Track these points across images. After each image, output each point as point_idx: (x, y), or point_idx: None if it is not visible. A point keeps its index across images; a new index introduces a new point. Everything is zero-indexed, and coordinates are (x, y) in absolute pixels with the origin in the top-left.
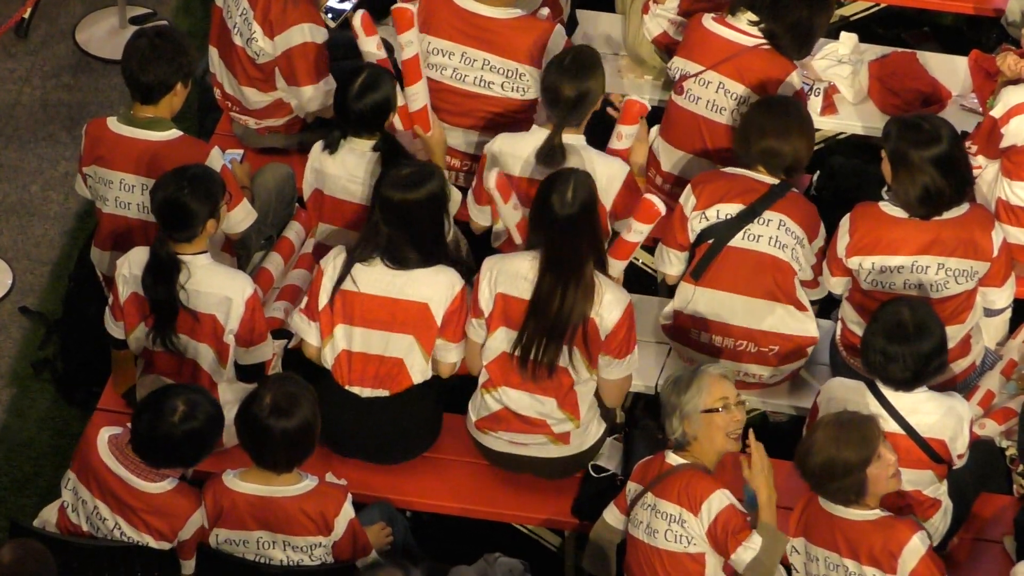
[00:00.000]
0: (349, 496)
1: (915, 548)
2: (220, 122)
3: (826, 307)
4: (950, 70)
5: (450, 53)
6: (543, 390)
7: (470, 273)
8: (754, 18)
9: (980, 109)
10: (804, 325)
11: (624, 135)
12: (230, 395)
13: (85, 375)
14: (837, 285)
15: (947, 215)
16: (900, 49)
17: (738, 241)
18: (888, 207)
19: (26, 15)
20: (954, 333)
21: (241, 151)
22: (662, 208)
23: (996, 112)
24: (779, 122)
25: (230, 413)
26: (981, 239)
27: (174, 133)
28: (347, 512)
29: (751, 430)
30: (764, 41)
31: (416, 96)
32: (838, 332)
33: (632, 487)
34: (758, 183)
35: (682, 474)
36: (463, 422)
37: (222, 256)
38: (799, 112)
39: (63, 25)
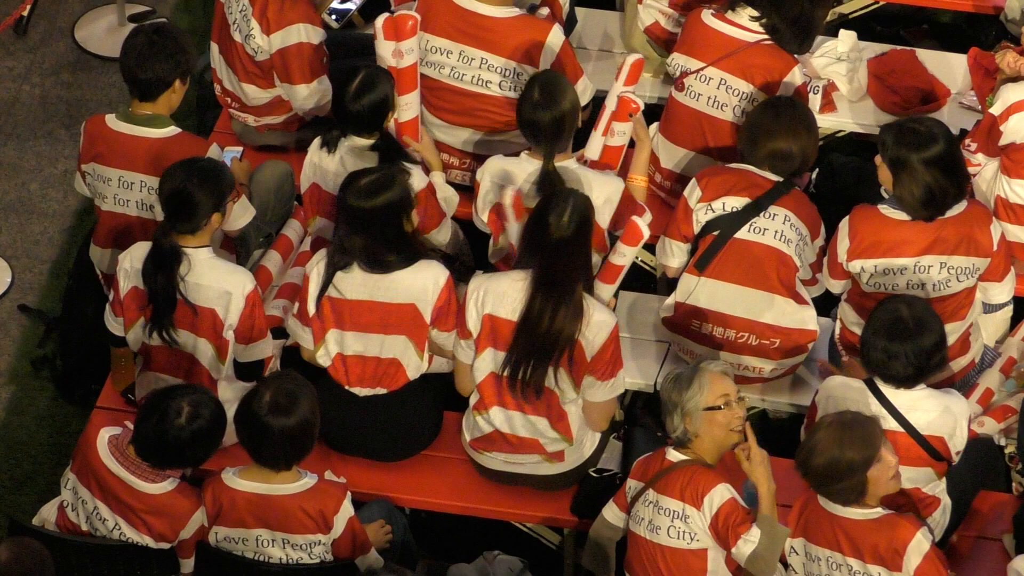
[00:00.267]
0: (348, 494)
1: (919, 545)
2: (219, 119)
3: (825, 305)
4: (949, 68)
5: (448, 52)
6: (534, 410)
7: (470, 272)
8: (755, 13)
9: (979, 107)
10: (805, 320)
11: (617, 132)
12: (230, 393)
13: (84, 373)
14: (837, 287)
15: (949, 213)
16: (899, 47)
17: (744, 233)
18: (888, 210)
19: (25, 13)
20: (953, 330)
21: (240, 148)
22: (646, 232)
23: (995, 110)
24: (787, 125)
25: (229, 411)
26: (981, 235)
27: (173, 130)
28: (346, 510)
29: (747, 423)
30: (765, 37)
31: (408, 107)
32: (837, 331)
33: (632, 484)
34: (763, 179)
35: (684, 470)
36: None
37: (222, 255)
38: (805, 113)
39: (62, 23)
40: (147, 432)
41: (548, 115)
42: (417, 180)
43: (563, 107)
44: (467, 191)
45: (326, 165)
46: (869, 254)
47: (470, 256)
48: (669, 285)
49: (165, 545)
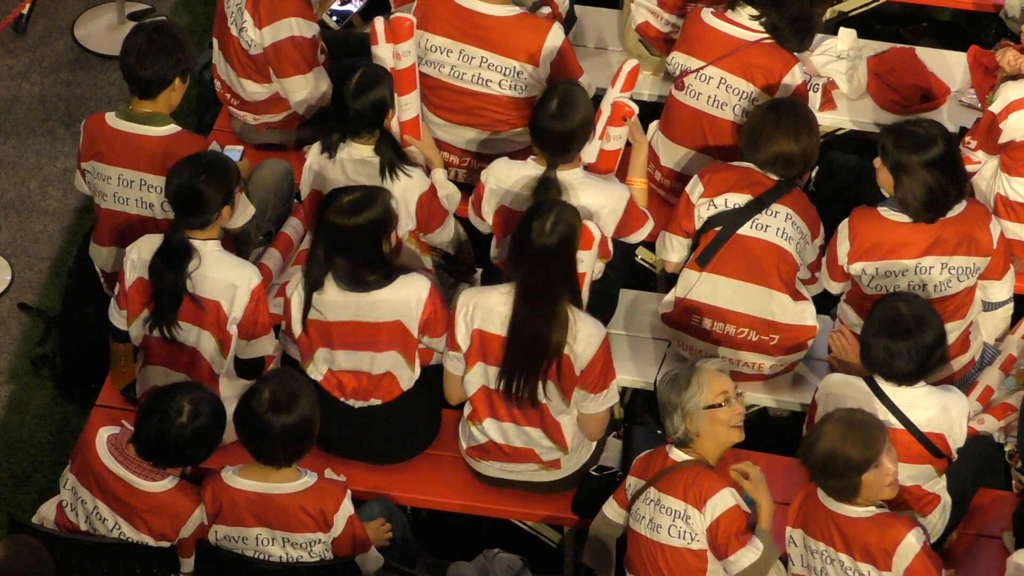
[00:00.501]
0: (348, 492)
1: (910, 546)
2: (219, 118)
3: (825, 304)
4: (949, 66)
5: (448, 51)
6: (528, 421)
7: (470, 270)
8: (754, 12)
9: (979, 105)
10: (805, 316)
11: (612, 136)
12: (230, 390)
13: (84, 371)
14: (836, 288)
15: (947, 214)
16: (899, 45)
17: (746, 230)
18: (887, 211)
19: (25, 11)
20: (954, 329)
21: (240, 147)
22: (597, 234)
23: (995, 107)
24: (789, 128)
25: (230, 408)
26: (981, 234)
27: (172, 128)
28: (346, 508)
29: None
30: (765, 36)
31: (408, 106)
32: (844, 328)
33: (632, 482)
34: (765, 177)
35: (688, 470)
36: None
37: None
38: (807, 115)
39: (62, 21)
40: (148, 431)
41: (560, 128)
42: (419, 182)
43: (575, 123)
44: (467, 189)
45: (328, 174)
46: (870, 256)
47: (471, 255)
48: (669, 283)
49: (165, 544)
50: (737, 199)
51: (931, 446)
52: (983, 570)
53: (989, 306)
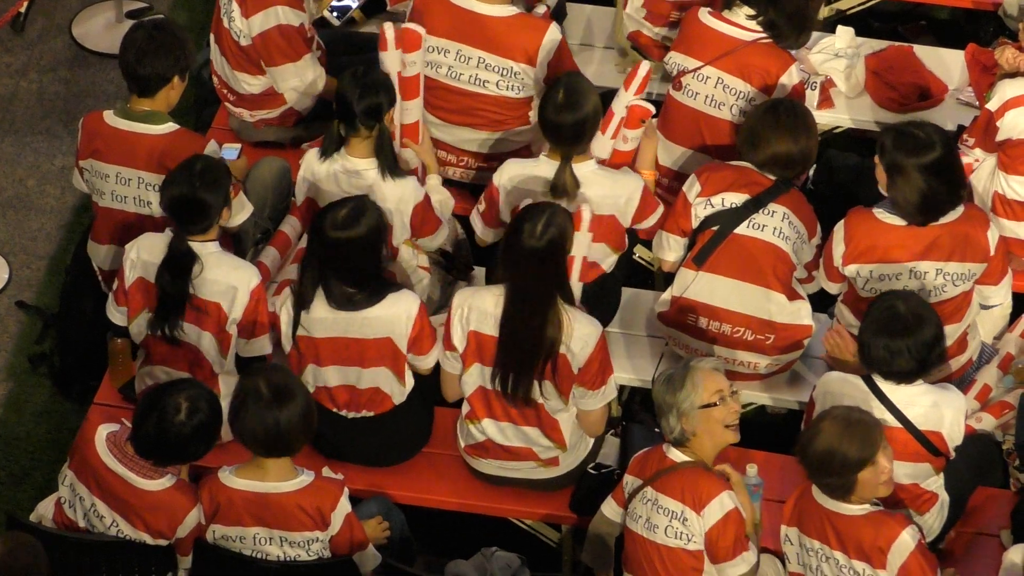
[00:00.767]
0: (346, 490)
1: (904, 543)
2: (217, 116)
3: (823, 302)
4: (947, 64)
5: (445, 51)
6: (525, 421)
7: (467, 269)
8: (751, 12)
9: (977, 103)
10: (801, 316)
11: (629, 138)
12: (229, 389)
13: (82, 369)
14: (833, 288)
15: (944, 219)
16: (897, 43)
17: (743, 229)
18: (883, 214)
19: (23, 9)
20: (951, 333)
21: (238, 145)
22: (587, 215)
23: (992, 105)
24: (788, 129)
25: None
26: (977, 240)
27: (171, 127)
28: (343, 506)
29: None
30: (762, 35)
31: (410, 111)
32: (839, 327)
33: (629, 480)
34: (762, 177)
35: (686, 472)
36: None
37: None
38: (805, 115)
39: (60, 19)
40: (147, 430)
41: (571, 118)
42: (413, 192)
43: (586, 111)
44: (464, 188)
45: (322, 184)
46: (864, 259)
47: (468, 253)
48: (666, 281)
49: (163, 542)
50: (734, 198)
51: (929, 444)
52: (981, 568)
53: (986, 308)
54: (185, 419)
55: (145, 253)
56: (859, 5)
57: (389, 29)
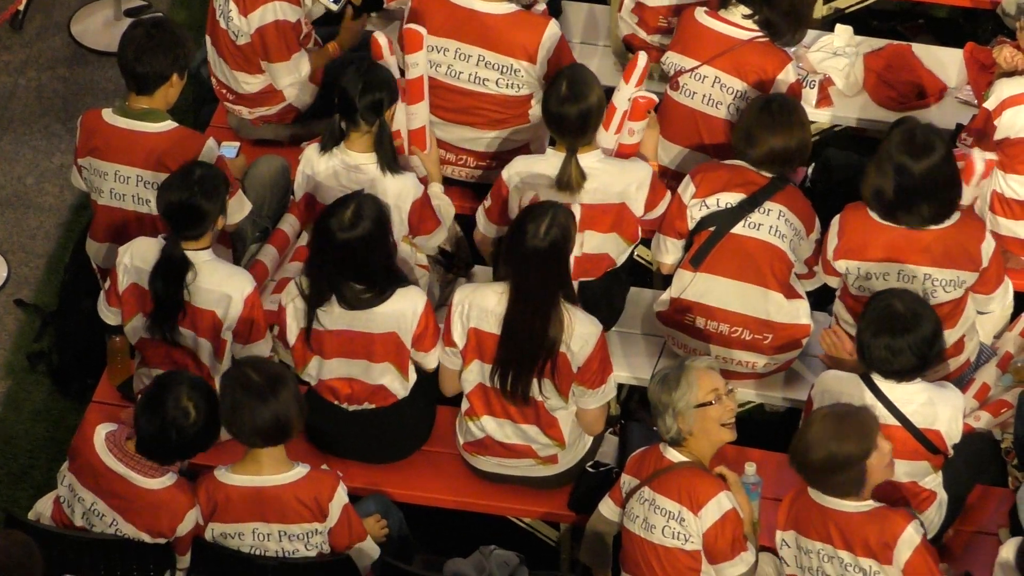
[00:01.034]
0: (342, 482)
1: (910, 538)
2: (215, 114)
3: (822, 300)
4: (945, 62)
5: (444, 49)
6: (524, 418)
7: (467, 267)
8: (747, 11)
9: (975, 101)
10: (798, 315)
11: (635, 131)
12: None
13: (80, 367)
14: (833, 282)
15: (935, 225)
16: (895, 41)
17: (739, 229)
18: (878, 216)
19: (21, 7)
20: (946, 337)
21: (237, 144)
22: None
23: (989, 104)
24: (783, 124)
25: None
26: (970, 249)
27: (169, 125)
28: (341, 497)
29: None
30: (759, 34)
31: (416, 116)
32: (835, 326)
33: (627, 480)
34: (757, 175)
35: (683, 472)
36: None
37: (219, 249)
38: (798, 109)
39: (58, 17)
40: (152, 431)
41: (575, 109)
42: (412, 188)
43: (590, 101)
44: (463, 187)
45: (320, 179)
46: (855, 255)
47: (467, 252)
48: (665, 280)
49: (161, 540)
50: (729, 198)
51: (927, 442)
52: (979, 567)
53: (983, 313)
54: (188, 417)
55: (138, 259)
56: (858, 4)
57: (381, 37)
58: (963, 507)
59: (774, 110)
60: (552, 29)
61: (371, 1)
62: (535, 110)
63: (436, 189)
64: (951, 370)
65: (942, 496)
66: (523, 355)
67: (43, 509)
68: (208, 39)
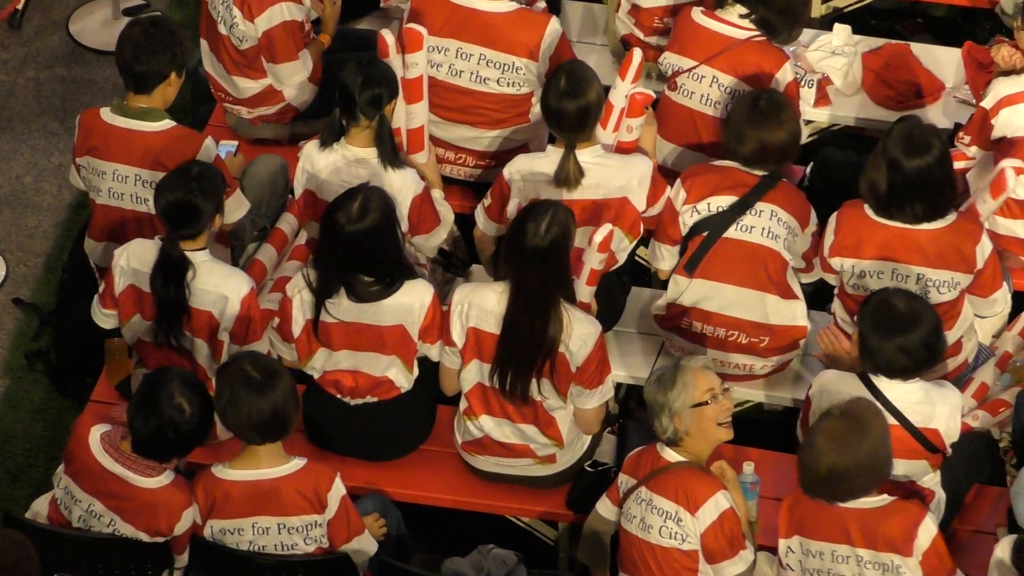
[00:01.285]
0: (339, 474)
1: (928, 528)
2: (213, 113)
3: (820, 299)
4: (944, 62)
5: (445, 49)
6: (522, 418)
7: (465, 266)
8: (744, 11)
9: (974, 101)
10: (796, 316)
11: (633, 127)
12: None
13: (79, 366)
14: (831, 279)
15: (929, 225)
16: (894, 41)
17: (732, 232)
18: (872, 211)
19: (20, 6)
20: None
21: (235, 143)
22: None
23: (986, 103)
24: (773, 118)
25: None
26: (965, 251)
27: (167, 124)
28: (339, 488)
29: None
30: (756, 33)
31: (415, 115)
32: (832, 325)
33: (624, 479)
34: (748, 175)
35: (680, 471)
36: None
37: (217, 248)
38: (786, 101)
39: (56, 16)
40: (149, 431)
41: (574, 104)
42: (412, 184)
43: (589, 97)
44: (460, 185)
45: (321, 174)
46: (849, 253)
47: (465, 251)
48: (663, 281)
49: (160, 539)
50: (720, 201)
51: (925, 441)
52: (977, 566)
53: (980, 317)
54: (183, 414)
55: (135, 261)
56: (856, 3)
57: (388, 35)
58: (961, 506)
59: (763, 107)
60: (553, 26)
61: (367, 1)
62: (536, 109)
63: (437, 195)
64: (949, 370)
65: (940, 495)
66: (522, 355)
67: (40, 509)
68: (205, 43)
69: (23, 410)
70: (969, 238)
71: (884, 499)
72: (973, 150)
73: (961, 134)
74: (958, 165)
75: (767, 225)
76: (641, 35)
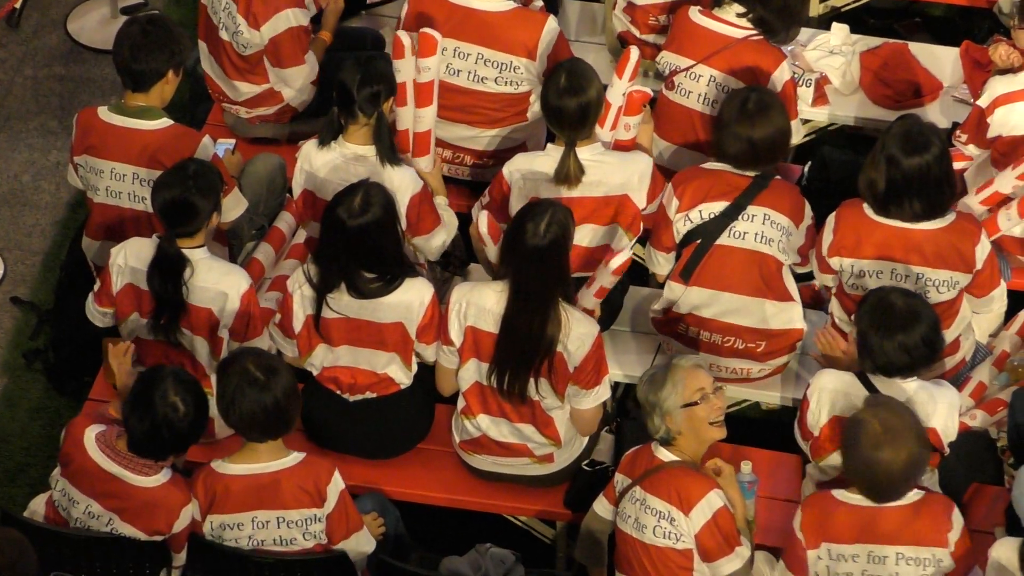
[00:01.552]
0: (337, 470)
1: (959, 520)
2: (211, 112)
3: (819, 298)
4: (942, 61)
5: (443, 48)
6: (520, 417)
7: (463, 264)
8: (741, 10)
9: (971, 100)
10: (792, 319)
11: (632, 126)
12: None
13: (76, 365)
14: (827, 280)
15: (928, 225)
16: (892, 40)
17: (724, 239)
18: (871, 210)
19: (18, 5)
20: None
21: (232, 141)
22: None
23: (982, 102)
24: (759, 115)
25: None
26: (963, 251)
27: (165, 122)
28: (337, 482)
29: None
30: (753, 32)
31: (423, 119)
32: (829, 325)
33: (620, 479)
34: (739, 178)
35: (674, 471)
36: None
37: (215, 247)
38: (773, 98)
39: (55, 15)
40: (144, 429)
41: (574, 102)
42: (411, 182)
43: (590, 94)
44: (458, 184)
45: (319, 173)
46: (848, 252)
47: (463, 250)
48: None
49: (158, 538)
50: (713, 208)
51: None
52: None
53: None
54: (178, 412)
55: (132, 259)
56: (854, 2)
57: (405, 37)
58: (959, 506)
59: (750, 108)
60: (551, 25)
61: (357, 2)
62: (534, 108)
63: (440, 201)
64: (947, 369)
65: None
66: (521, 354)
67: (38, 508)
68: (203, 46)
69: (21, 409)
70: (968, 238)
71: (918, 493)
72: (971, 148)
73: (958, 132)
74: (957, 165)
75: (760, 230)
76: (637, 33)
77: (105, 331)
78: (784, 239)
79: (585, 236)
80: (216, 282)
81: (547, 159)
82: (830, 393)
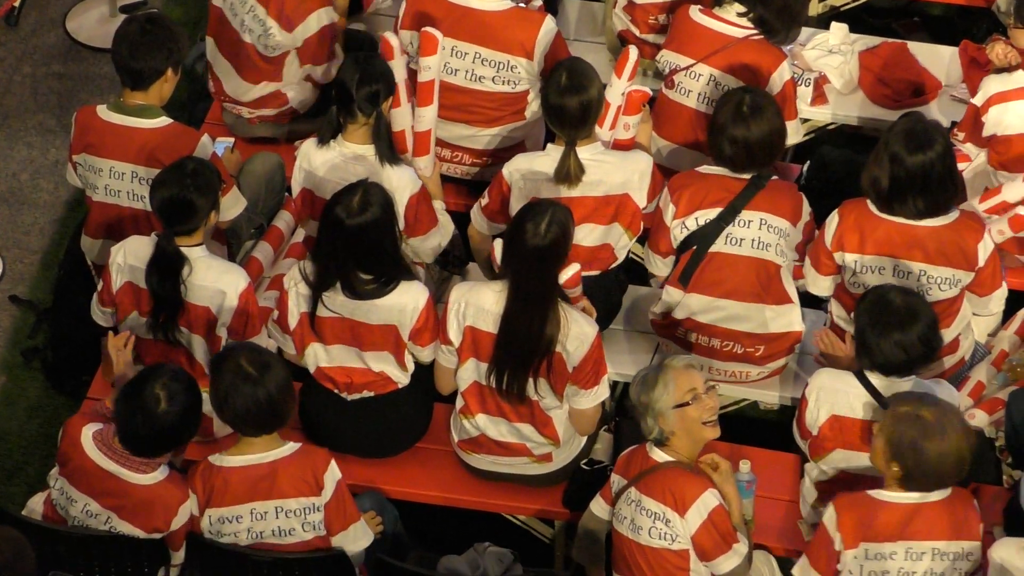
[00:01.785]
0: (333, 459)
1: (978, 512)
2: (210, 111)
3: (817, 297)
4: (940, 60)
5: (440, 47)
6: (519, 417)
7: (462, 263)
8: (741, 9)
9: (970, 99)
10: (791, 322)
11: (631, 125)
12: None
13: (75, 363)
14: (824, 281)
15: (932, 222)
16: (891, 39)
17: (722, 246)
18: (874, 207)
19: (16, 3)
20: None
21: (231, 139)
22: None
23: (977, 100)
24: (754, 115)
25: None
26: (966, 248)
27: (164, 121)
28: (334, 471)
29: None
30: (753, 32)
31: (423, 119)
32: (828, 325)
33: (616, 479)
34: (735, 181)
35: (668, 472)
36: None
37: (213, 245)
38: (766, 98)
39: (53, 13)
40: (135, 427)
41: (575, 100)
42: (409, 182)
43: (590, 93)
44: (457, 183)
45: (318, 172)
46: (851, 247)
47: (461, 249)
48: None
49: (156, 536)
50: (709, 214)
51: None
52: None
53: (978, 315)
54: (169, 408)
55: (131, 258)
56: (853, 1)
57: (392, 38)
58: None
59: (745, 112)
60: (548, 24)
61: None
62: (532, 107)
63: (438, 205)
64: (946, 368)
65: None
66: (520, 354)
67: (36, 506)
68: (211, 43)
69: (19, 407)
70: (972, 235)
71: (949, 488)
72: (969, 147)
73: (956, 132)
74: (959, 165)
75: (757, 236)
76: (637, 32)
77: (103, 330)
78: (782, 241)
79: (585, 235)
80: (214, 280)
81: (547, 159)
82: (829, 392)
